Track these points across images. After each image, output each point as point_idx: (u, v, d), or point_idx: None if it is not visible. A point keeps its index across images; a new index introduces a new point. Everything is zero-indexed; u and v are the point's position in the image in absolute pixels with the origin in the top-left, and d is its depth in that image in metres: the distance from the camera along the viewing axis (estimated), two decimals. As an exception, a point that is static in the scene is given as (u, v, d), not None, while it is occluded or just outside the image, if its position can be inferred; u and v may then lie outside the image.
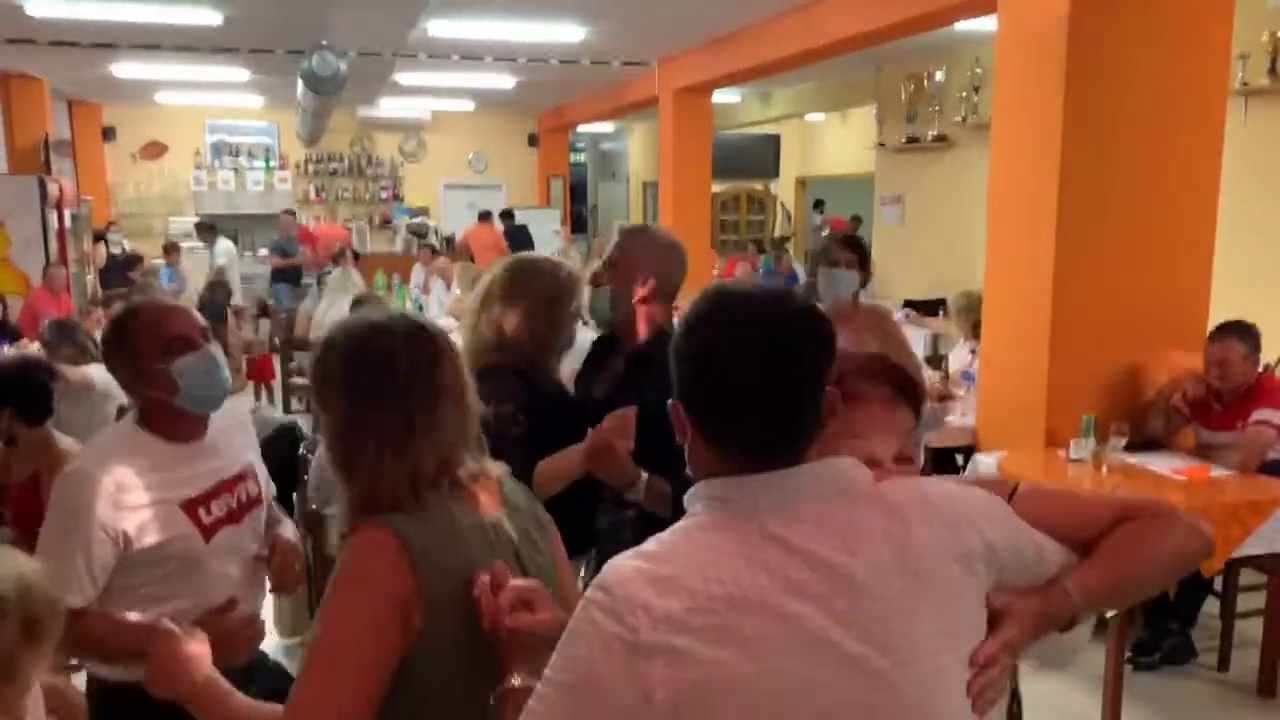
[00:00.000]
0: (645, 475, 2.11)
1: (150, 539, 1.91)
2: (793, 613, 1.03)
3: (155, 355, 1.95)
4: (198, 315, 2.10)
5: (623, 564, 1.08)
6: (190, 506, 1.98)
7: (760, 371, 1.10)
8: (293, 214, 12.22)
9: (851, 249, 3.72)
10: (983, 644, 1.12)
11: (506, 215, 13.18)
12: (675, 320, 2.13)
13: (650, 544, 1.11)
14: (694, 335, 1.16)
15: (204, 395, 2.01)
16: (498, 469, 1.56)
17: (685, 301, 1.30)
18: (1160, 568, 1.30)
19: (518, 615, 1.31)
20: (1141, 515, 1.28)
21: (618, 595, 1.04)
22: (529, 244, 12.54)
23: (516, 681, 1.27)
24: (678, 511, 1.18)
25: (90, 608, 1.86)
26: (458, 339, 1.75)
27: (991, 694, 1.12)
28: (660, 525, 1.17)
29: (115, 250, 10.95)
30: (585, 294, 2.49)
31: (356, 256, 10.50)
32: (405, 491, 1.39)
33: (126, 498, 1.90)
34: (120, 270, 9.99)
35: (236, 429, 2.23)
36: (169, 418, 2.00)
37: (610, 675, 1.02)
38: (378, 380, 1.42)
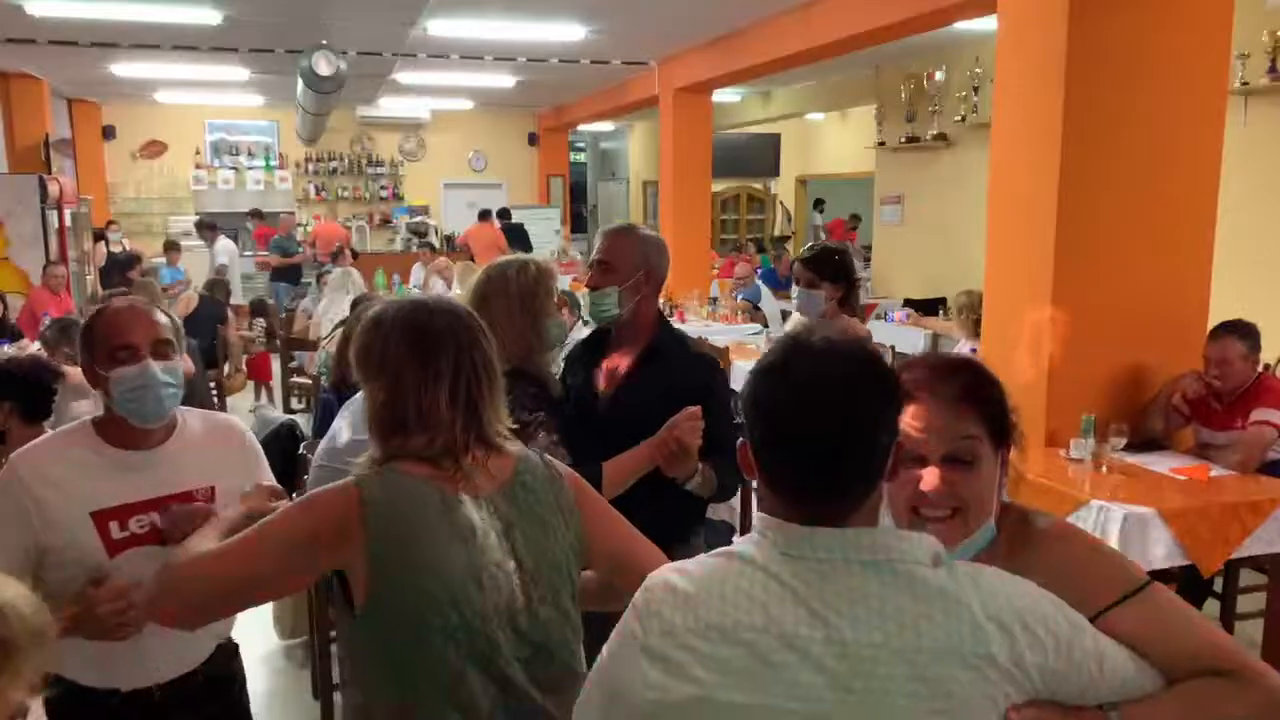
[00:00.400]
0: (700, 466, 2.23)
1: (51, 541, 1.89)
2: (778, 660, 1.08)
3: (102, 360, 1.94)
4: (168, 322, 2.03)
5: (663, 572, 1.20)
6: (101, 517, 1.92)
7: (808, 425, 1.12)
8: (259, 214, 12.19)
9: (811, 268, 3.70)
10: None
11: (503, 214, 13.18)
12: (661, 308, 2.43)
13: (693, 561, 1.20)
14: (758, 383, 1.18)
15: (134, 409, 1.94)
16: (517, 449, 1.65)
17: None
18: None
19: None
20: (1237, 675, 1.20)
21: (646, 598, 1.16)
22: (525, 243, 12.54)
23: None
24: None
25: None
26: None
27: None
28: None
29: (115, 249, 10.95)
30: (585, 297, 2.50)
31: (355, 255, 10.52)
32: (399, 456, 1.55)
33: (43, 493, 1.89)
34: (120, 269, 9.99)
35: (222, 446, 2.13)
36: (117, 423, 1.97)
37: (620, 665, 1.16)
38: (417, 352, 1.56)
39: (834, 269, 3.67)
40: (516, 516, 1.57)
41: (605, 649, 1.21)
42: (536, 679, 1.55)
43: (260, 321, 8.93)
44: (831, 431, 1.11)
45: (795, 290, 3.78)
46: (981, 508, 1.32)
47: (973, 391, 1.34)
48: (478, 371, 1.58)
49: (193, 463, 2.03)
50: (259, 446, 2.25)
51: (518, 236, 12.82)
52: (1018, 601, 1.13)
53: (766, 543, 1.15)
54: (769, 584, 1.11)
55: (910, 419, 1.29)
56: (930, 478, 1.30)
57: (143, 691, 2.01)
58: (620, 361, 2.50)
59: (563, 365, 2.67)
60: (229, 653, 2.21)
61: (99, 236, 10.77)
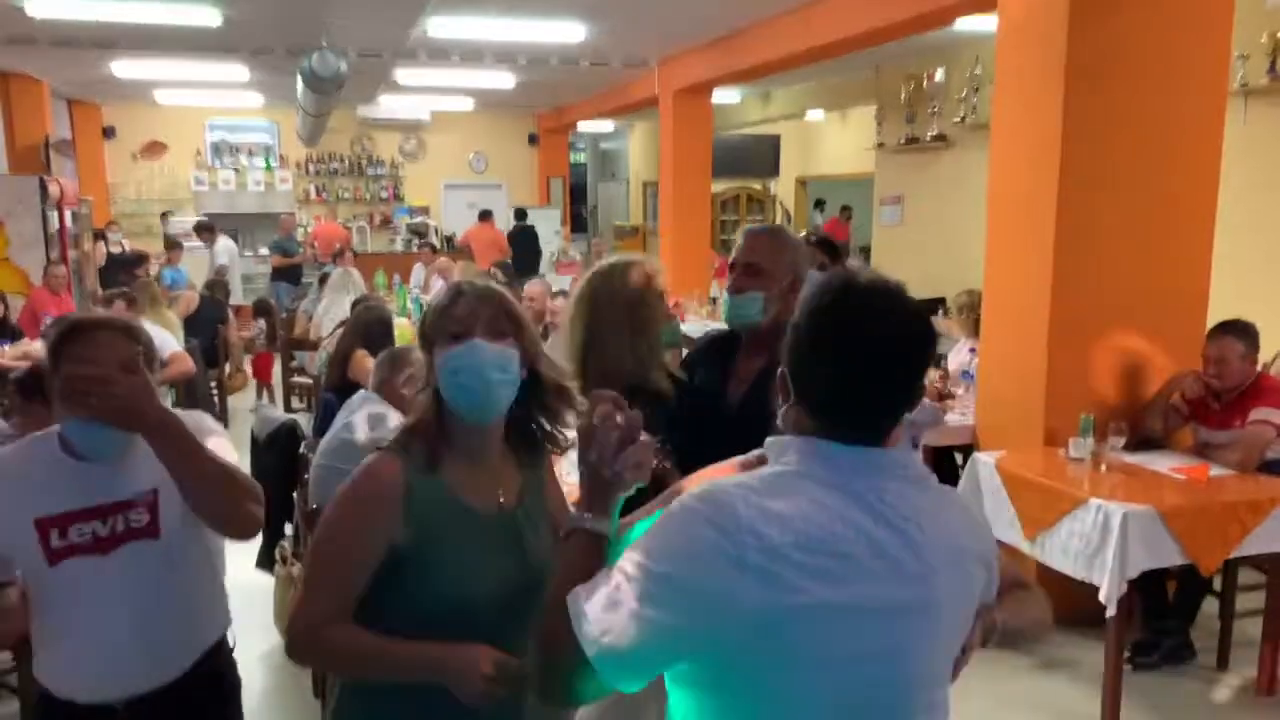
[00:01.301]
0: None
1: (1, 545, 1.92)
2: (871, 567, 1.23)
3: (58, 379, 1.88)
4: (140, 344, 1.94)
5: (728, 487, 1.24)
6: (43, 524, 1.89)
7: (876, 367, 1.26)
8: (211, 228, 11.75)
9: (822, 250, 3.75)
10: (971, 636, 1.36)
11: (519, 215, 13.34)
12: None
13: (748, 478, 1.27)
14: (817, 323, 1.29)
15: (89, 448, 1.91)
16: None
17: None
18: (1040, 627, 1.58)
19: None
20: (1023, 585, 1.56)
21: (725, 514, 1.20)
22: (534, 246, 12.53)
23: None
24: None
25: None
26: None
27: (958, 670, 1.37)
28: None
29: (115, 249, 10.95)
30: (726, 299, 2.43)
31: (355, 256, 10.52)
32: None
33: None
34: (120, 269, 10.00)
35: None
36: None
37: (707, 578, 1.18)
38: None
39: (834, 251, 3.73)
40: (526, 518, 1.70)
41: (654, 566, 1.20)
42: (523, 623, 1.60)
43: (262, 322, 8.94)
44: (895, 373, 1.27)
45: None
46: None
47: None
48: None
49: (139, 468, 1.93)
50: (224, 434, 2.16)
51: (525, 240, 12.84)
52: (982, 513, 1.44)
53: (821, 461, 1.27)
54: (845, 498, 1.24)
55: None
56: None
57: (102, 708, 1.96)
58: (752, 365, 2.40)
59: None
60: (217, 658, 2.12)
61: (98, 236, 10.77)
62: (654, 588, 1.18)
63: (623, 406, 1.35)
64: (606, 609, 1.19)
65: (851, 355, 1.26)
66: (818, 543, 1.20)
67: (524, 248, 12.72)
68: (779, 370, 1.33)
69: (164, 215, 13.06)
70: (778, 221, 16.52)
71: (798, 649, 1.19)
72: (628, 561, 1.22)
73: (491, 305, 1.68)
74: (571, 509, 1.47)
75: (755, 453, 1.40)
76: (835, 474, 1.26)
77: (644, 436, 1.34)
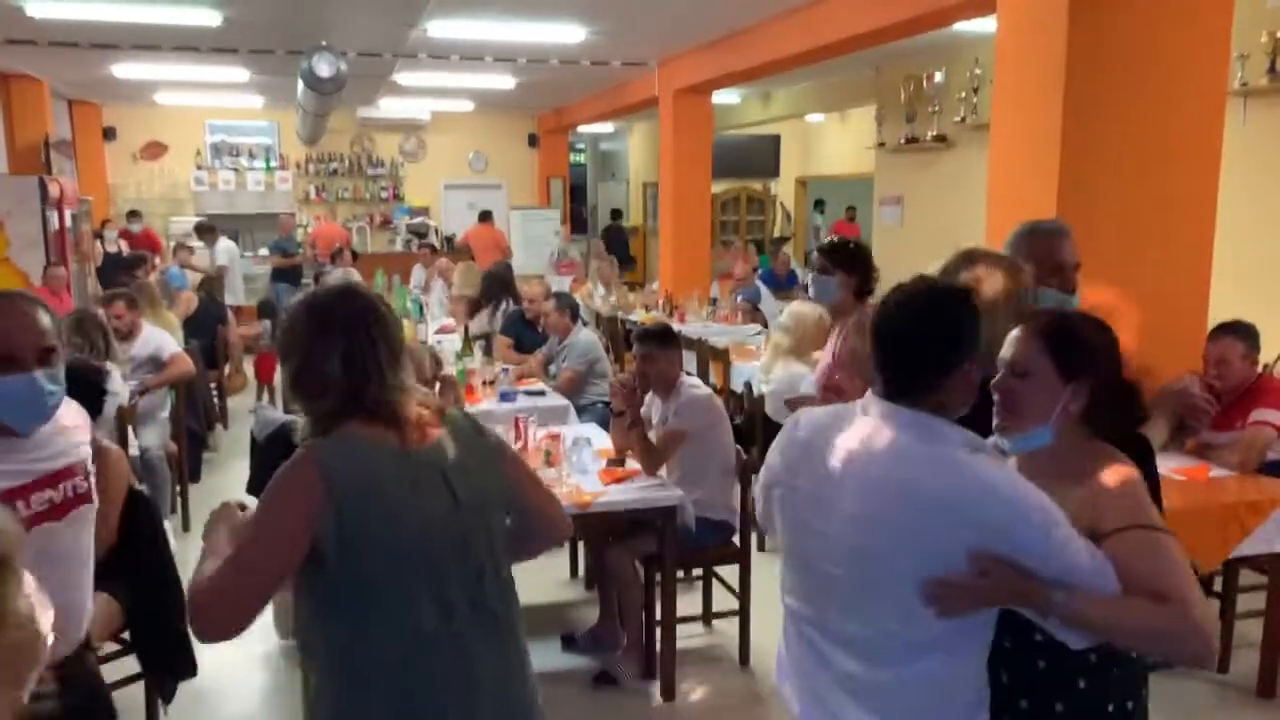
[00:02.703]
0: None
1: None
2: (825, 476, 1.72)
3: None
4: (51, 325, 2.04)
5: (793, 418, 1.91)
6: (9, 496, 1.96)
7: (888, 342, 1.71)
8: (212, 229, 11.62)
9: (825, 255, 3.74)
10: (953, 574, 1.56)
11: (615, 215, 14.39)
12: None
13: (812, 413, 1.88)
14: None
15: (16, 419, 2.00)
16: (445, 404, 1.95)
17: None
18: (1135, 640, 1.60)
19: None
20: (1171, 602, 1.52)
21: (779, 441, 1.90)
22: (625, 248, 12.56)
23: None
24: None
25: None
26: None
27: (948, 606, 1.57)
28: None
29: (110, 249, 10.95)
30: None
31: (355, 256, 10.52)
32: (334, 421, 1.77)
33: None
34: (118, 269, 9.99)
35: (75, 423, 2.21)
36: None
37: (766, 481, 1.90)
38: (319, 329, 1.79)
39: (847, 257, 3.68)
40: (450, 462, 1.80)
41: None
42: (476, 601, 1.79)
43: (268, 322, 8.94)
44: (900, 349, 1.71)
45: (810, 277, 3.87)
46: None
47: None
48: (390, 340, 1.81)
49: (61, 439, 2.12)
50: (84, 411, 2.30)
51: (618, 239, 13.77)
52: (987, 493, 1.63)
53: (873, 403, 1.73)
54: (835, 428, 1.76)
55: None
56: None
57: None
58: None
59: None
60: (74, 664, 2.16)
61: (95, 236, 10.77)
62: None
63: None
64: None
65: (878, 326, 1.73)
66: (797, 462, 1.83)
67: (617, 248, 13.80)
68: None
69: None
70: (777, 221, 16.53)
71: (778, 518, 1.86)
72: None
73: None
74: None
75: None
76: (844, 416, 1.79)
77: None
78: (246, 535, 1.72)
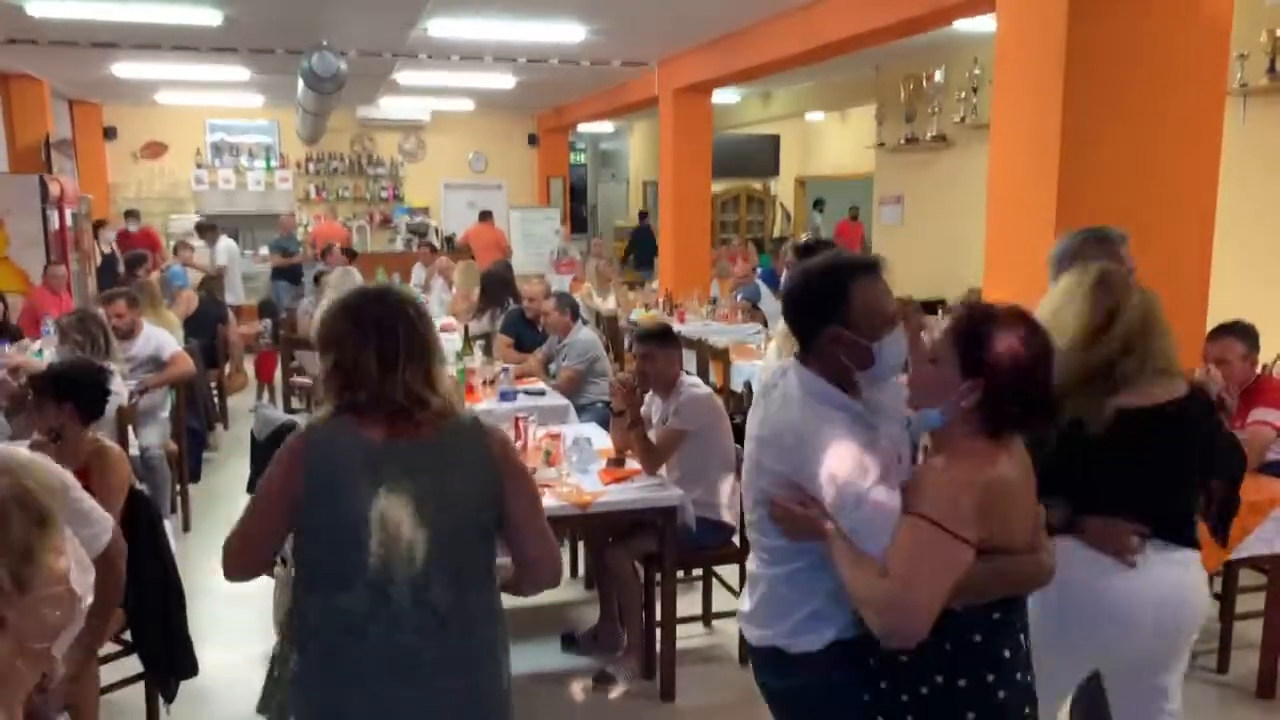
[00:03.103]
0: None
1: None
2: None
3: None
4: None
5: None
6: None
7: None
8: (213, 228, 11.53)
9: (797, 254, 3.78)
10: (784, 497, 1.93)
11: (642, 216, 14.40)
12: None
13: None
14: None
15: None
16: (461, 409, 2.06)
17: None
18: (854, 598, 1.84)
19: None
20: (886, 578, 1.77)
21: None
22: (654, 250, 12.57)
23: None
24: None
25: None
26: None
27: (785, 526, 1.92)
28: None
29: (105, 249, 10.94)
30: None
31: (354, 255, 10.51)
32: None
33: None
34: (116, 269, 10.00)
35: None
36: None
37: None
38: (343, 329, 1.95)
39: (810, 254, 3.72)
40: (428, 462, 1.91)
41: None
42: (420, 596, 1.88)
43: (269, 321, 8.93)
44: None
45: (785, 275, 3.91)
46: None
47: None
48: (399, 340, 1.93)
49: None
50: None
51: (646, 240, 13.78)
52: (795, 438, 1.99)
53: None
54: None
55: None
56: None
57: None
58: None
59: None
60: None
61: (95, 236, 10.77)
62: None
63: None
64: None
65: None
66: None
67: (644, 250, 14.11)
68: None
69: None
70: (777, 221, 16.53)
71: None
72: None
73: None
74: None
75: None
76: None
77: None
78: (256, 493, 1.97)
